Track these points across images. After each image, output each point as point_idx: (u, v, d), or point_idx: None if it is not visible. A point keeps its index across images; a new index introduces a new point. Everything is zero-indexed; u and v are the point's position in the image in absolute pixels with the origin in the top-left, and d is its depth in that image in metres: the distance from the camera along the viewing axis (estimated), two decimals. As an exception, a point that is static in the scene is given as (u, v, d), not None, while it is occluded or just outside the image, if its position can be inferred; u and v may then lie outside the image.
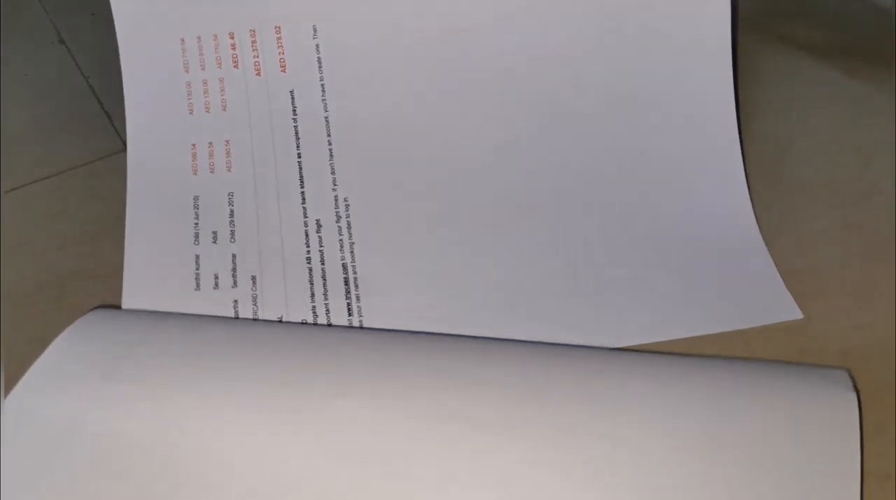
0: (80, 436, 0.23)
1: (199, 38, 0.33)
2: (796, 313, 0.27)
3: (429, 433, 0.22)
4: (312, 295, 0.30)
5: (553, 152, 0.32)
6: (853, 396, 0.23)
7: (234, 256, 0.31)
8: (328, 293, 0.30)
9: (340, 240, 0.31)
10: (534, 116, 0.32)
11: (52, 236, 0.34)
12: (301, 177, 0.32)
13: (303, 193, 0.32)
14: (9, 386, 0.25)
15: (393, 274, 0.30)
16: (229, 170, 0.33)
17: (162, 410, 0.24)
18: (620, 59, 0.32)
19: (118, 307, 0.30)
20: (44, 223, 0.34)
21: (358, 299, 0.30)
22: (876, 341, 0.27)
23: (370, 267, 0.30)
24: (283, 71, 0.33)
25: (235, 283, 0.30)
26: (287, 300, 0.30)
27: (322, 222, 0.31)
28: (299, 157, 0.33)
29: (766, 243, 0.30)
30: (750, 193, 0.31)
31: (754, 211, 0.31)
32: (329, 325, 0.29)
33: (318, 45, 0.32)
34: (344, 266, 0.30)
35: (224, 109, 0.33)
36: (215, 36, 0.33)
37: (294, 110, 0.33)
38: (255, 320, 0.29)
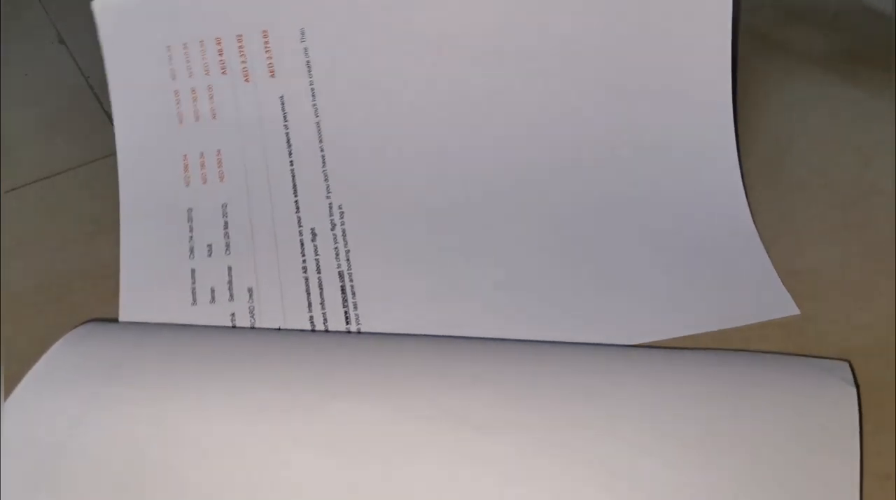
0: (79, 442, 0.23)
1: (184, 44, 0.32)
2: (793, 309, 0.28)
3: (428, 433, 0.22)
4: (310, 304, 0.30)
5: (550, 151, 0.32)
6: (852, 387, 0.23)
7: (229, 268, 0.31)
8: (325, 302, 0.30)
9: (336, 248, 0.31)
10: (530, 115, 0.32)
11: (52, 236, 0.34)
12: (294, 185, 0.32)
13: (297, 201, 0.32)
14: (9, 386, 0.25)
15: (390, 281, 0.30)
16: (222, 180, 0.32)
17: (160, 412, 0.24)
18: (618, 55, 0.32)
19: (117, 307, 0.30)
20: (44, 223, 0.34)
21: (355, 306, 0.30)
22: (876, 341, 0.27)
23: (366, 274, 0.30)
24: (272, 76, 0.32)
25: (232, 296, 0.30)
26: (284, 311, 0.30)
27: (317, 231, 0.31)
28: (292, 165, 0.32)
29: (767, 244, 0.30)
30: (748, 193, 0.31)
31: (755, 211, 0.31)
32: (327, 332, 0.29)
33: (306, 49, 0.32)
34: (340, 274, 0.30)
35: (214, 117, 0.32)
36: (201, 42, 0.32)
37: (285, 116, 0.32)
38: (250, 328, 0.29)
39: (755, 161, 0.33)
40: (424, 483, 0.21)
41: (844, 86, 0.36)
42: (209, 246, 0.31)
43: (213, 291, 0.30)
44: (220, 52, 0.32)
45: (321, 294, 0.30)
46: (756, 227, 0.30)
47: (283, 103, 0.32)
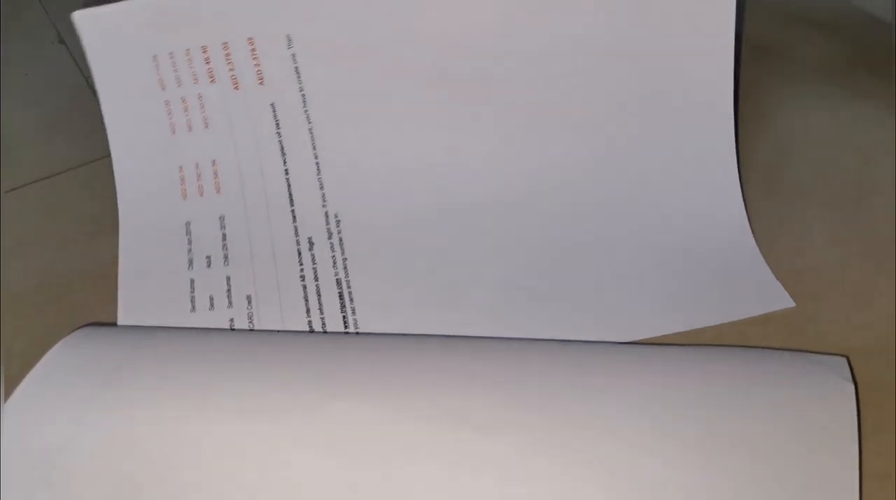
0: (78, 444, 0.23)
1: (171, 53, 0.31)
2: (788, 302, 0.28)
3: (428, 433, 0.22)
4: (308, 311, 0.30)
5: (548, 152, 0.32)
6: (850, 382, 0.23)
7: (228, 278, 0.31)
8: (323, 308, 0.30)
9: (333, 257, 0.31)
10: (530, 114, 0.32)
11: (52, 236, 0.34)
12: (290, 195, 0.32)
13: (293, 211, 0.32)
14: (9, 386, 0.25)
15: (387, 287, 0.30)
16: (218, 191, 0.32)
17: (160, 413, 0.23)
18: (620, 57, 0.32)
19: (116, 307, 0.30)
20: (44, 223, 0.34)
21: (353, 312, 0.29)
22: (876, 341, 0.27)
23: (364, 282, 0.30)
24: (261, 83, 0.32)
25: (231, 303, 0.30)
26: (283, 317, 0.30)
27: (314, 240, 0.31)
28: (286, 173, 0.32)
29: (767, 244, 0.30)
30: (749, 194, 0.31)
31: (756, 213, 0.31)
32: (326, 333, 0.29)
33: (294, 55, 0.31)
34: (338, 281, 0.30)
35: (206, 127, 0.32)
36: (187, 51, 0.31)
37: (277, 124, 0.32)
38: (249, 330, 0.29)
39: (756, 162, 0.33)
40: (424, 483, 0.21)
41: (844, 91, 0.36)
42: (208, 258, 0.31)
43: (211, 299, 0.30)
44: (208, 61, 0.32)
45: (319, 301, 0.30)
46: (756, 228, 0.30)
47: (274, 111, 0.32)
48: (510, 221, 0.31)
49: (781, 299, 0.28)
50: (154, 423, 0.23)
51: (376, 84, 0.32)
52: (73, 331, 0.27)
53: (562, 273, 0.30)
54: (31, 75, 0.42)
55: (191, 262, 0.31)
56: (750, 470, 0.21)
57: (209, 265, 0.31)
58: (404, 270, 0.30)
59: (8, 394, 0.25)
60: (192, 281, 0.31)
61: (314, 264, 0.31)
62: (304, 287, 0.30)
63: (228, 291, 0.30)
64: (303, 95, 0.32)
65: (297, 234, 0.32)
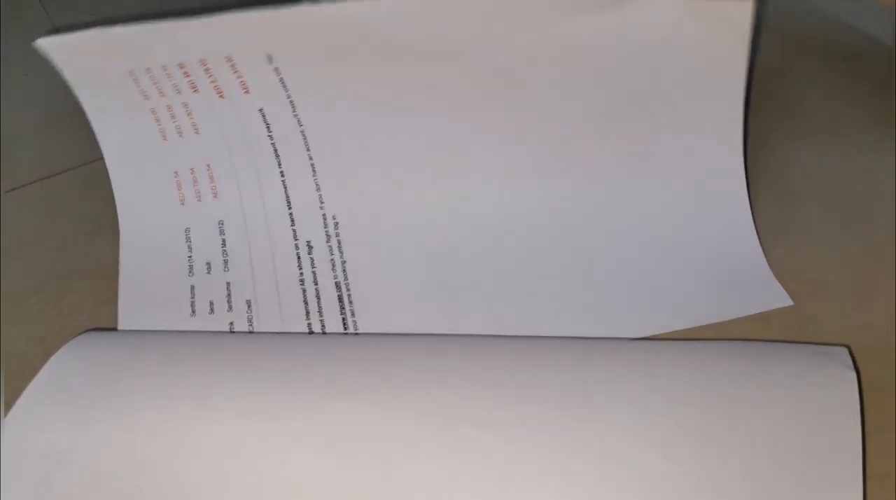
0: (79, 452, 0.23)
1: (148, 69, 0.30)
2: (786, 301, 0.28)
3: (428, 432, 0.22)
4: (308, 313, 0.30)
5: (549, 153, 0.32)
6: (852, 371, 0.23)
7: (228, 283, 0.31)
8: (322, 311, 0.30)
9: (332, 260, 0.31)
10: (530, 119, 0.32)
11: (52, 236, 0.34)
12: (287, 198, 0.32)
13: (291, 214, 0.32)
14: (8, 385, 0.25)
15: (387, 289, 0.30)
16: (216, 196, 0.32)
17: (160, 417, 0.23)
18: (625, 59, 0.31)
19: (116, 307, 0.30)
20: (44, 223, 0.34)
21: (353, 314, 0.29)
22: (876, 341, 0.27)
23: (363, 284, 0.30)
24: (247, 93, 0.31)
25: (231, 307, 0.30)
26: (283, 320, 0.30)
27: (312, 243, 0.31)
28: (282, 176, 0.32)
29: (768, 244, 0.30)
30: (749, 192, 0.31)
31: (756, 212, 0.30)
32: (325, 334, 0.29)
33: (276, 69, 0.30)
34: (337, 284, 0.30)
35: (197, 132, 0.32)
36: (164, 67, 0.30)
37: (268, 128, 0.31)
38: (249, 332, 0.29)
39: (756, 162, 0.33)
40: (424, 483, 0.21)
41: (845, 86, 0.36)
42: (208, 264, 0.31)
43: (211, 303, 0.30)
44: (187, 75, 0.30)
45: (318, 304, 0.30)
46: (757, 227, 0.30)
47: (264, 116, 0.31)
48: (510, 222, 0.31)
49: (779, 298, 0.28)
50: (155, 427, 0.23)
51: (366, 88, 0.31)
52: (74, 337, 0.27)
53: (561, 273, 0.30)
54: (30, 75, 0.42)
55: (191, 268, 0.31)
56: (753, 459, 0.21)
57: (209, 271, 0.31)
58: (404, 271, 0.30)
59: (8, 394, 0.25)
60: (193, 287, 0.31)
61: (313, 267, 0.31)
62: (304, 291, 0.30)
63: (228, 295, 0.30)
64: (291, 102, 0.31)
65: (295, 237, 0.31)
